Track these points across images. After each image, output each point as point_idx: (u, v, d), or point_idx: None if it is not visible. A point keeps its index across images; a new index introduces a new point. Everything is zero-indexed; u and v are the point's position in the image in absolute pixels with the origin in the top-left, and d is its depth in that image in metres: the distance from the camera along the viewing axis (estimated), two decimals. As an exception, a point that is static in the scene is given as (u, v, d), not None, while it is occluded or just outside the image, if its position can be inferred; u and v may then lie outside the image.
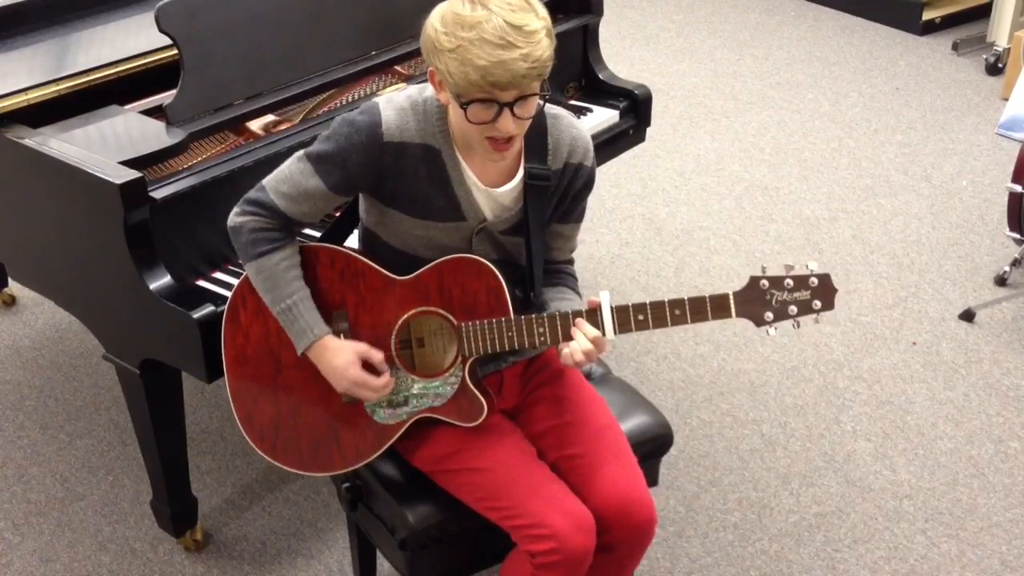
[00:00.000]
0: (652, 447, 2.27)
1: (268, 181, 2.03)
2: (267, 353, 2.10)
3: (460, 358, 2.03)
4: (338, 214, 2.27)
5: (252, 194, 2.03)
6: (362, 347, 2.03)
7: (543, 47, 1.82)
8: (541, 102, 1.91)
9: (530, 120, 1.91)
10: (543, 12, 1.85)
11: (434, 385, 2.05)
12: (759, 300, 1.93)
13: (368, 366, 2.03)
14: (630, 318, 1.95)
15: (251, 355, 2.11)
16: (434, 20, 1.85)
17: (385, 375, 2.03)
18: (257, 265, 2.01)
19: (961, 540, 2.73)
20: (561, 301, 2.10)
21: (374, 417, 2.08)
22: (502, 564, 2.11)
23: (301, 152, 2.01)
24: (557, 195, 2.08)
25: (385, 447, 2.10)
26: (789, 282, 1.93)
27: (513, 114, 1.85)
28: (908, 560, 2.68)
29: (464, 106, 1.85)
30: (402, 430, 2.08)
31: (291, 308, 2.01)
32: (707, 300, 1.93)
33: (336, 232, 2.26)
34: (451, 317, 2.02)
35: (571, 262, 2.23)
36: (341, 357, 2.01)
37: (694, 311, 1.93)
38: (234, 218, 2.04)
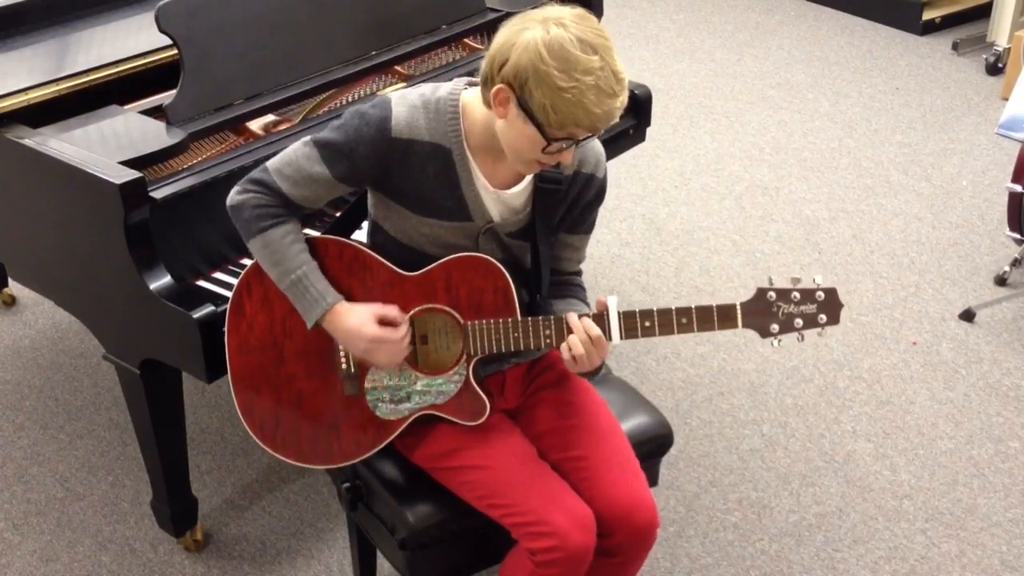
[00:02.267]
0: (652, 447, 2.27)
1: (272, 163, 2.03)
2: (271, 343, 2.10)
3: (465, 356, 2.03)
4: (339, 213, 2.27)
5: (255, 174, 2.03)
6: (376, 306, 2.02)
7: (628, 92, 1.87)
8: None
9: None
10: None
11: (437, 383, 2.06)
12: (766, 312, 1.94)
13: (384, 325, 2.01)
14: (637, 324, 1.96)
15: (254, 344, 2.11)
16: (540, 50, 1.80)
17: (403, 326, 2.01)
18: (262, 240, 2.01)
19: (961, 540, 2.73)
20: (570, 311, 2.09)
21: (376, 412, 2.08)
22: (502, 562, 2.11)
23: (309, 137, 2.01)
24: (566, 203, 2.08)
25: (385, 443, 2.10)
26: (796, 295, 1.93)
27: (578, 145, 1.90)
28: (908, 560, 2.68)
29: (549, 140, 1.85)
30: (403, 426, 2.08)
31: (300, 280, 2.01)
32: (714, 310, 1.94)
33: (344, 225, 2.26)
34: (457, 315, 2.02)
35: (579, 273, 2.23)
36: (355, 317, 2.00)
37: (700, 320, 1.94)
38: (234, 196, 2.04)
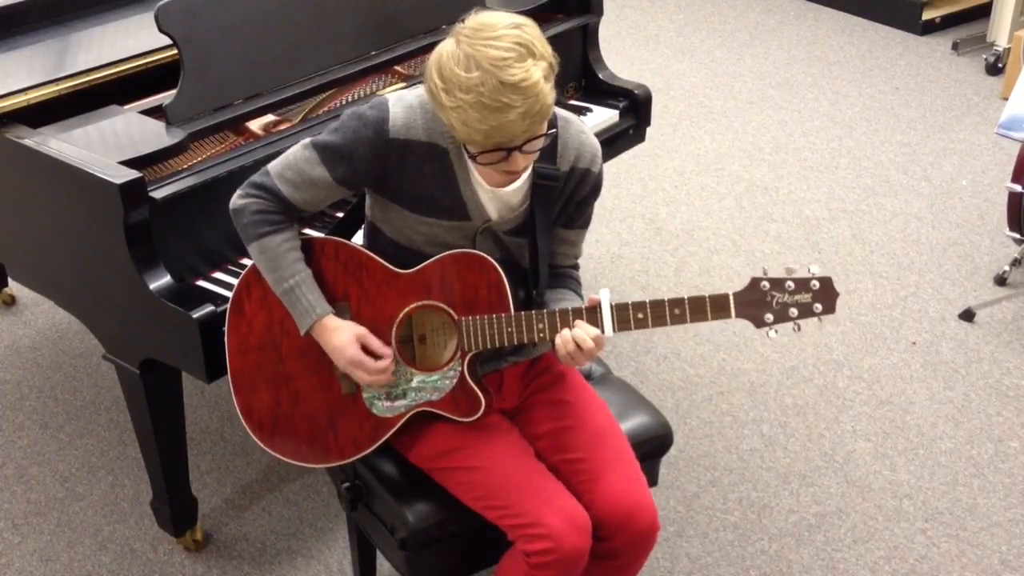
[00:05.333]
0: (652, 447, 2.27)
1: (273, 166, 2.04)
2: (269, 343, 2.11)
3: (459, 352, 2.03)
4: (340, 214, 2.28)
5: (256, 178, 2.04)
6: (362, 330, 2.03)
7: (542, 97, 1.80)
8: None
9: (540, 149, 1.94)
10: (541, 48, 1.83)
11: (433, 379, 2.06)
12: (759, 301, 1.93)
13: (369, 351, 2.03)
14: (630, 316, 1.95)
15: (253, 344, 2.12)
16: (433, 71, 1.83)
17: (384, 360, 2.02)
18: (259, 246, 2.02)
19: (961, 540, 2.73)
20: (561, 301, 2.10)
21: (372, 410, 2.09)
22: (498, 563, 2.11)
23: (308, 140, 2.02)
24: (563, 198, 2.08)
25: (382, 440, 2.10)
26: (790, 284, 1.92)
27: (522, 152, 1.87)
28: (908, 560, 2.68)
29: (472, 156, 1.87)
30: (400, 423, 2.08)
31: (293, 289, 2.02)
32: (707, 300, 1.93)
33: (342, 228, 2.27)
34: (451, 311, 2.02)
35: (575, 267, 2.23)
36: (340, 336, 2.02)
37: (694, 311, 1.93)
38: (236, 200, 2.05)
